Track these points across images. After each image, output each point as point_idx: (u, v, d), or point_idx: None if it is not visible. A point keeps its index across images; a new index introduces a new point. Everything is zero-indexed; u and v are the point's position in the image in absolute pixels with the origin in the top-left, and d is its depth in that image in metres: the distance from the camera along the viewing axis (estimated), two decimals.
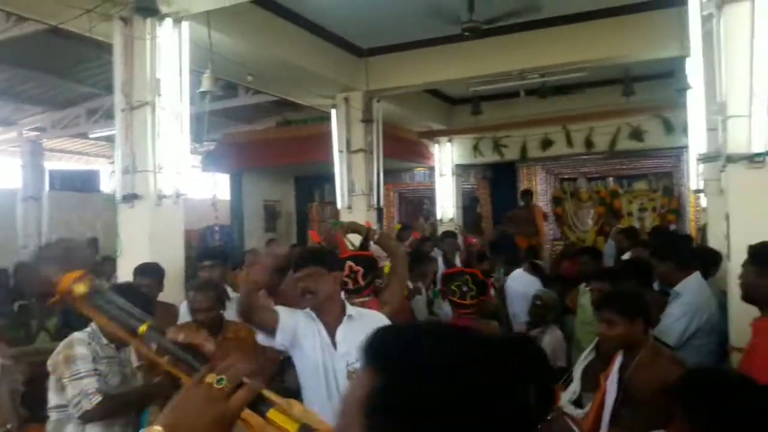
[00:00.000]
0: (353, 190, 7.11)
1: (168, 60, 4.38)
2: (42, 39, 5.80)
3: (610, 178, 10.40)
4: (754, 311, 2.60)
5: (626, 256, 5.71)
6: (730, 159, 2.91)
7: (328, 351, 2.68)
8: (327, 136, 7.33)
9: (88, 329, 2.93)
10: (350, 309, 2.76)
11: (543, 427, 2.09)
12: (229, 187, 11.23)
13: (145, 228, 4.46)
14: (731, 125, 2.92)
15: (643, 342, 2.66)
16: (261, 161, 9.91)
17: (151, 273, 3.94)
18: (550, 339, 4.27)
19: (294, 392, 4.07)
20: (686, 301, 3.40)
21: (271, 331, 2.66)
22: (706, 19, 3.40)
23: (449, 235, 7.22)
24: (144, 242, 4.45)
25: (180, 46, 4.42)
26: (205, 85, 4.59)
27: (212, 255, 4.44)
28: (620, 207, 10.20)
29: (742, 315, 2.84)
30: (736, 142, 2.90)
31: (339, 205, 7.23)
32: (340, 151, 7.09)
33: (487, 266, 6.22)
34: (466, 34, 5.18)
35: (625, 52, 5.98)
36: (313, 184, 11.99)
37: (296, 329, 2.69)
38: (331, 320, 2.72)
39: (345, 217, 7.16)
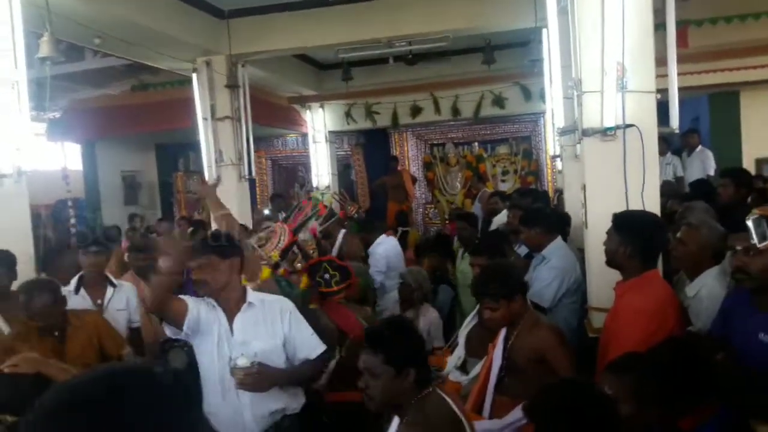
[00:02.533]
0: (221, 159, 6.75)
1: None
2: None
3: (476, 143, 10.91)
4: (609, 272, 2.76)
5: (499, 218, 5.90)
6: (585, 133, 3.09)
7: (226, 338, 2.64)
8: (189, 101, 6.87)
9: None
10: (251, 296, 2.71)
11: (416, 402, 2.16)
12: (81, 158, 10.29)
13: None
14: (586, 101, 3.09)
15: (524, 313, 2.80)
16: (116, 129, 9.17)
17: (1, 262, 3.57)
18: (425, 322, 4.29)
19: (180, 373, 3.85)
20: (555, 265, 3.64)
21: (179, 322, 2.58)
22: None
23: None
24: None
25: (11, 5, 3.86)
26: (44, 50, 4.07)
27: (97, 241, 4.12)
28: (485, 170, 10.73)
29: (599, 277, 3.07)
30: (590, 116, 3.07)
31: (207, 176, 6.85)
32: (204, 119, 6.68)
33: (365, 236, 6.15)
34: None
35: (484, 22, 6.16)
36: (177, 152, 11.33)
37: (199, 317, 2.63)
38: (230, 308, 2.67)
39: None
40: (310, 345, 2.73)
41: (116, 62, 7.41)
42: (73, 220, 10.22)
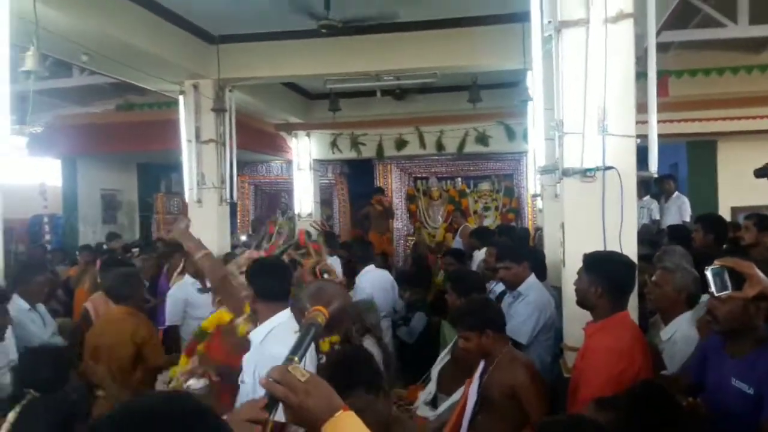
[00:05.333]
0: (203, 182, 6.72)
1: None
2: None
3: (459, 178, 11.03)
4: (586, 311, 2.75)
5: (479, 253, 5.96)
6: (566, 173, 3.11)
7: None
8: (174, 123, 6.85)
9: None
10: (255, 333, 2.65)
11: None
12: (61, 174, 10.18)
13: None
14: (567, 141, 3.12)
15: (499, 348, 2.79)
16: (98, 146, 9.13)
17: None
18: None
19: None
20: (531, 301, 3.67)
21: None
22: (547, 40, 3.62)
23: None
24: None
25: None
26: (29, 63, 4.03)
27: None
28: (467, 205, 10.81)
29: (576, 316, 3.06)
30: (571, 157, 3.10)
31: (187, 197, 6.80)
32: (189, 141, 6.67)
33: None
34: (322, 30, 5.11)
35: (472, 61, 6.26)
36: (159, 172, 11.26)
37: None
38: None
39: (194, 212, 6.76)
40: None
41: (103, 80, 7.39)
42: (47, 236, 10.07)
